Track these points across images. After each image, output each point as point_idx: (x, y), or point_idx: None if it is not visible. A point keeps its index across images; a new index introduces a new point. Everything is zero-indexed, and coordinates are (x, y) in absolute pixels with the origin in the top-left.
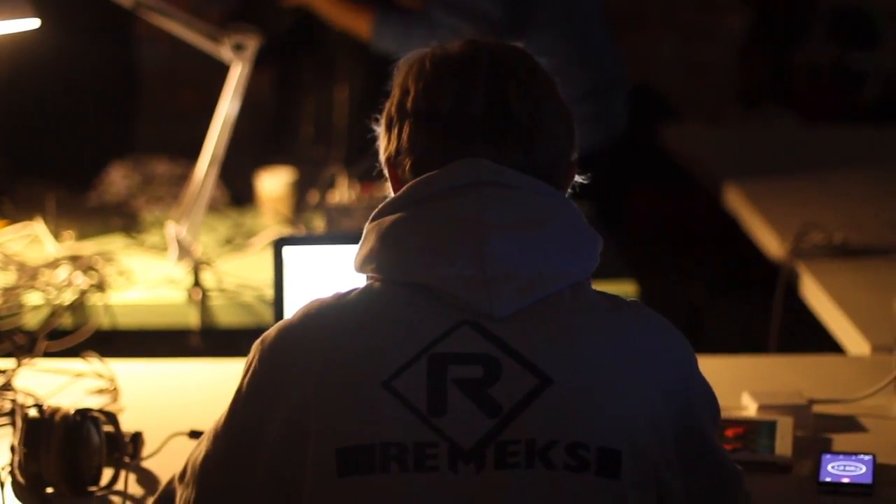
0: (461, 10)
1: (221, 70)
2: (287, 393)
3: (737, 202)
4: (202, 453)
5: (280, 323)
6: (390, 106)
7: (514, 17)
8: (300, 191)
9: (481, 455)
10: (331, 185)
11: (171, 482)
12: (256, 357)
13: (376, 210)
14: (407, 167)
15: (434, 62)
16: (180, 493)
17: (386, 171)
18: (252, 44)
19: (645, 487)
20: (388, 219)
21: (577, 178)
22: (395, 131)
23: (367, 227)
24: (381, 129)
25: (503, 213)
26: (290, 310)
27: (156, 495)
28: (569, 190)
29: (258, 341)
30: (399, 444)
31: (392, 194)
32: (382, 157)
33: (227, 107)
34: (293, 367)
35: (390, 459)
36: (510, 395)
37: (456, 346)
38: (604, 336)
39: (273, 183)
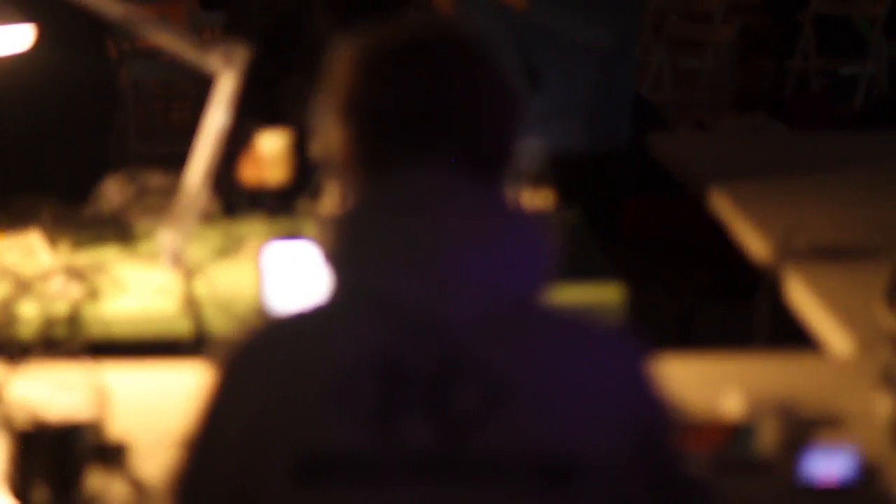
0: None
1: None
2: (245, 406)
3: (723, 207)
4: (175, 467)
5: (241, 336)
6: (336, 99)
7: None
8: None
9: (432, 467)
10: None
11: None
12: (218, 370)
13: (337, 209)
14: (356, 168)
15: (372, 54)
16: None
17: (337, 168)
18: (240, 54)
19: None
20: (347, 223)
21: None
22: (341, 129)
23: (327, 225)
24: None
25: (457, 227)
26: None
27: None
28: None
29: (221, 355)
30: (349, 454)
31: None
32: (333, 153)
33: (216, 118)
34: (249, 381)
35: (341, 470)
36: (463, 408)
37: (409, 356)
38: (558, 350)
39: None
